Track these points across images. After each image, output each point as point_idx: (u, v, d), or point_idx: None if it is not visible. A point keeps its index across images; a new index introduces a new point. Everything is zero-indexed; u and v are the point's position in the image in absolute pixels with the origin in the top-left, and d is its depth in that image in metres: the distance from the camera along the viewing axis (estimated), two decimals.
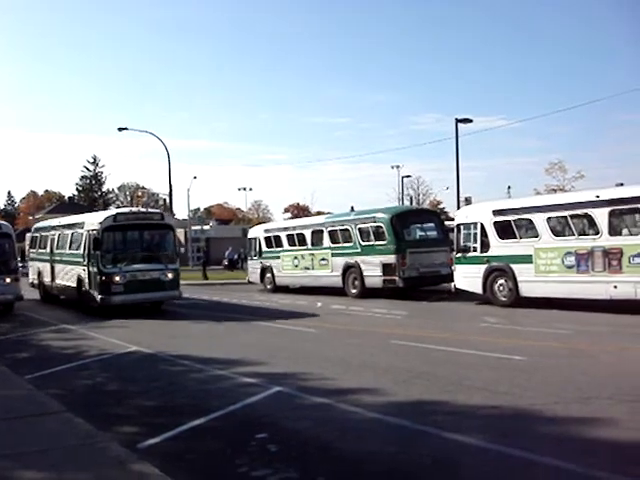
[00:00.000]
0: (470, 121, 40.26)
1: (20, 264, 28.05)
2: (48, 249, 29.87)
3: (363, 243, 27.54)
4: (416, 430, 8.37)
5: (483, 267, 22.33)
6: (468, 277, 23.09)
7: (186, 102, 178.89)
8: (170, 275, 24.10)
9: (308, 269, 30.63)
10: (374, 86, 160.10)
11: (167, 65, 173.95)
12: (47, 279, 29.73)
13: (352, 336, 17.01)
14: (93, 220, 25.03)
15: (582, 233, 19.99)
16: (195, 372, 12.66)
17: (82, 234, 25.12)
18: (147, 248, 24.93)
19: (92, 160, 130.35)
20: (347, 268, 28.16)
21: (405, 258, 25.72)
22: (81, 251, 24.93)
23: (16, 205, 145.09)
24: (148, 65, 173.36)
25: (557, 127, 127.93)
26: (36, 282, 31.72)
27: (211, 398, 10.39)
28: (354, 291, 27.81)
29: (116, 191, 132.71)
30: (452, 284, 24.38)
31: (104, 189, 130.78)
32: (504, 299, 21.75)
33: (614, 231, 18.90)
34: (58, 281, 28.03)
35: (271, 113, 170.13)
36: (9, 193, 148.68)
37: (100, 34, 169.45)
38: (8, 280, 24.66)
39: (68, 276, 26.48)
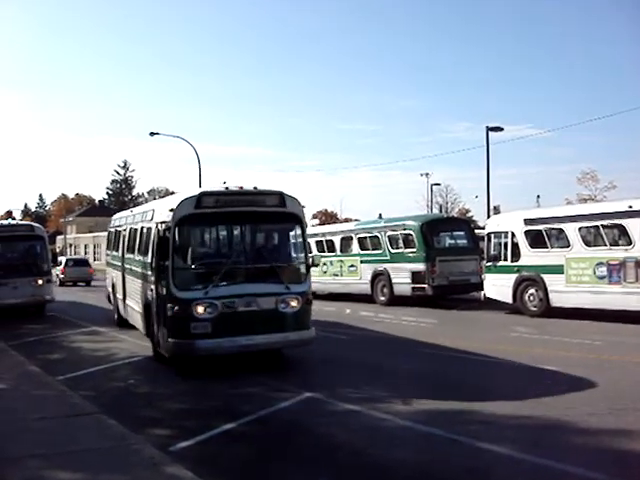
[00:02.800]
0: (501, 129, 39.88)
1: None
2: (120, 251, 20.12)
3: (392, 250, 27.45)
4: (448, 439, 8.34)
5: (514, 276, 22.14)
6: (498, 286, 22.90)
7: (217, 107, 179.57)
8: (295, 303, 13.16)
9: (337, 276, 30.53)
10: (403, 91, 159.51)
11: (198, 70, 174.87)
12: (119, 295, 20.22)
13: (382, 343, 16.96)
14: (163, 207, 14.58)
15: (614, 243, 19.74)
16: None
17: (151, 230, 15.01)
18: (256, 256, 14.10)
19: (123, 164, 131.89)
20: (376, 275, 28.02)
21: (435, 266, 25.56)
22: (148, 258, 14.82)
23: (47, 208, 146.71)
24: (179, 70, 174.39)
25: (589, 136, 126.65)
26: (111, 298, 22.32)
27: (242, 403, 10.41)
28: (382, 298, 27.67)
29: (146, 195, 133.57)
30: (482, 293, 24.20)
31: (134, 193, 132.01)
32: (534, 309, 21.55)
33: None
34: (129, 301, 18.29)
35: (301, 119, 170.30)
36: (40, 196, 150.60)
37: (131, 41, 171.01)
38: (40, 282, 24.86)
39: (137, 297, 16.58)
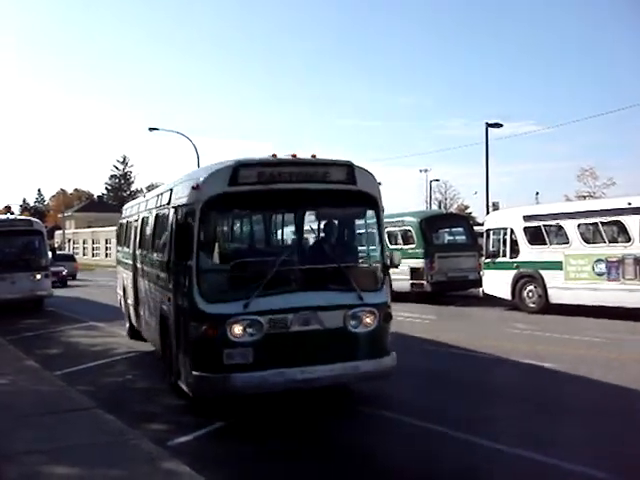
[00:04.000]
0: (500, 125, 39.83)
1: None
2: (131, 247, 16.19)
3: (391, 247, 27.39)
4: (454, 437, 8.35)
5: (512, 273, 22.14)
6: (497, 282, 22.91)
7: (216, 101, 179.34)
8: (371, 319, 9.63)
9: None
10: (403, 88, 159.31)
11: (197, 64, 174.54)
12: (130, 301, 16.17)
13: None
14: (184, 185, 10.57)
15: (613, 240, 19.76)
16: None
17: (168, 218, 11.23)
18: (316, 253, 10.47)
19: (122, 159, 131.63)
20: None
21: (434, 262, 25.54)
22: (165, 255, 11.04)
23: (46, 203, 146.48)
24: (178, 64, 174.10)
25: (588, 133, 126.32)
26: (122, 302, 18.31)
27: (239, 398, 10.39)
28: None
29: (145, 191, 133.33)
30: (480, 289, 24.24)
31: (133, 188, 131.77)
32: (533, 305, 21.55)
33: None
34: (142, 311, 14.27)
35: (301, 114, 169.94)
36: (39, 191, 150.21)
37: (129, 35, 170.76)
38: (39, 277, 24.86)
39: (151, 306, 12.80)
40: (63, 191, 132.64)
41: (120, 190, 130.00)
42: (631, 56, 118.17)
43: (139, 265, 14.52)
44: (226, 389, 8.92)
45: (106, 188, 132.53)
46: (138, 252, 14.69)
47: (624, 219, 19.08)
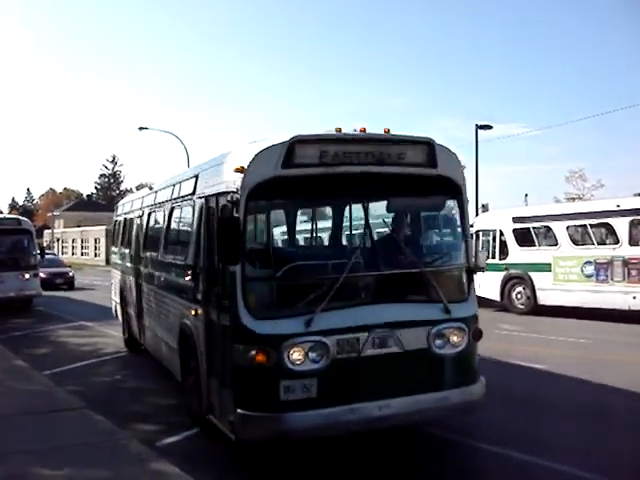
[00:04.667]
0: (490, 127, 39.97)
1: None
2: (131, 248, 14.47)
3: None
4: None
5: (501, 274, 22.24)
6: (486, 284, 22.94)
7: (206, 98, 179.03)
8: (459, 338, 7.76)
9: None
10: (393, 89, 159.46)
11: (188, 62, 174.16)
12: (131, 310, 14.40)
13: None
14: (217, 170, 8.28)
15: (601, 242, 19.90)
16: None
17: (191, 213, 9.44)
18: (390, 255, 8.01)
19: (111, 159, 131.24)
20: None
21: None
22: (187, 258, 9.34)
23: (35, 202, 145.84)
24: (168, 64, 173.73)
25: (577, 135, 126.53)
26: (118, 309, 16.53)
27: None
28: None
29: (134, 190, 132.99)
30: None
31: (122, 188, 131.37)
32: (521, 307, 21.67)
33: (634, 241, 18.79)
34: (149, 323, 12.52)
35: (293, 112, 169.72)
36: (28, 190, 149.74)
37: (118, 35, 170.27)
38: (27, 276, 24.74)
39: (164, 319, 11.00)
40: (52, 190, 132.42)
41: (109, 189, 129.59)
42: (622, 56, 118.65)
43: (145, 269, 12.59)
44: (282, 432, 6.96)
45: (95, 187, 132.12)
46: (144, 254, 12.78)
47: (613, 221, 19.22)
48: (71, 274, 38.31)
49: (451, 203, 8.46)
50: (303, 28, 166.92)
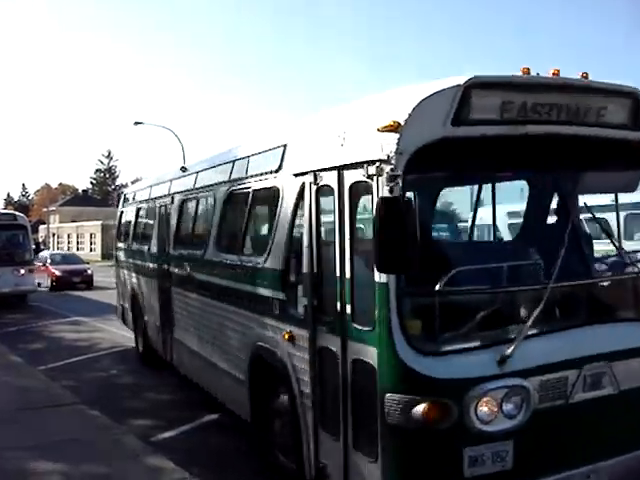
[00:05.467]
0: None
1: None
2: (154, 242, 12.00)
3: None
4: None
5: None
6: None
7: (201, 93, 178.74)
8: None
9: None
10: (389, 83, 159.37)
11: (183, 59, 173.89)
12: (151, 318, 12.13)
13: None
14: (348, 130, 5.41)
15: None
16: None
17: (279, 195, 6.72)
18: (583, 259, 5.60)
19: (106, 154, 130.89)
20: None
21: None
22: (275, 258, 6.68)
23: (30, 197, 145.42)
24: (163, 59, 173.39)
25: None
26: (127, 315, 14.23)
27: None
28: None
29: (130, 185, 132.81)
30: None
31: (118, 183, 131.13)
32: None
33: None
34: (182, 336, 10.22)
35: (287, 108, 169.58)
36: (23, 185, 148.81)
37: (114, 28, 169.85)
38: (23, 271, 24.61)
39: (218, 339, 8.51)
40: (48, 185, 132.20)
41: (105, 184, 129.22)
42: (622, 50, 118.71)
43: (178, 271, 10.19)
44: None
45: (91, 182, 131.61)
46: (175, 252, 10.48)
47: None
48: (89, 272, 35.17)
49: None
50: (297, 26, 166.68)
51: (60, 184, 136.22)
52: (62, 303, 25.80)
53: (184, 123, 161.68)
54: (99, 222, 74.03)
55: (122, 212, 15.40)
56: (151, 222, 12.44)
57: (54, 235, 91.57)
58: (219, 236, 8.51)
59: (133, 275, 13.43)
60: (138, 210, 13.55)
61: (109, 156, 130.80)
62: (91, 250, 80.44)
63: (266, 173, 7.08)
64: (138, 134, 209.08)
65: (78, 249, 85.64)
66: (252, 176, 7.56)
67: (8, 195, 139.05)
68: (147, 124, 49.23)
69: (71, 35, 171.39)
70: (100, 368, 12.96)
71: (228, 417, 9.02)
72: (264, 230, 7.69)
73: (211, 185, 9.01)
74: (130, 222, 14.27)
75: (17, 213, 28.50)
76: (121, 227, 15.52)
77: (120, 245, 15.22)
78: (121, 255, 15.04)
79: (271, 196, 6.97)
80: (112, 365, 13.27)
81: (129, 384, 11.55)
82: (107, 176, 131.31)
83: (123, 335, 15.71)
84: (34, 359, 13.25)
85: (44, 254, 36.61)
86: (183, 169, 11.22)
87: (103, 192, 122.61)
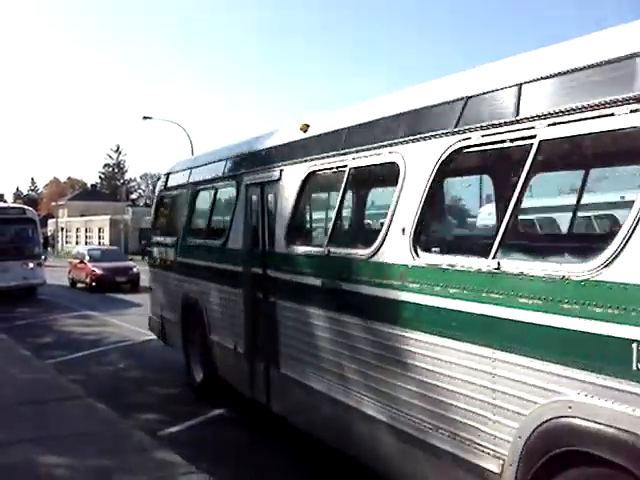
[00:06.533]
0: None
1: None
2: (234, 237, 8.77)
3: None
4: None
5: None
6: None
7: (209, 89, 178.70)
8: None
9: None
10: (395, 80, 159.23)
11: (188, 53, 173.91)
12: (227, 342, 8.79)
13: None
14: None
15: None
16: None
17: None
18: None
19: (115, 148, 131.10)
20: None
21: None
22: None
23: (39, 191, 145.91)
24: (173, 52, 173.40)
25: None
26: (174, 331, 10.97)
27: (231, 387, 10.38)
28: None
29: (138, 180, 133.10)
30: None
31: (126, 177, 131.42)
32: None
33: None
34: (303, 374, 6.80)
35: (293, 105, 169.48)
36: (32, 179, 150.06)
37: (124, 24, 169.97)
38: (31, 265, 24.73)
39: (400, 386, 5.23)
40: (56, 179, 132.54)
41: (113, 179, 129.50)
42: None
43: (297, 279, 6.94)
44: None
45: (100, 177, 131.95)
46: (278, 250, 7.36)
47: None
48: (135, 270, 29.28)
49: None
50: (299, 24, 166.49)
51: (69, 178, 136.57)
52: (71, 297, 25.82)
53: (193, 118, 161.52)
54: (107, 216, 74.19)
55: (163, 197, 12.41)
56: (229, 209, 9.12)
57: (63, 229, 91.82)
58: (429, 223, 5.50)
59: (188, 279, 10.20)
60: (197, 193, 10.39)
61: (118, 151, 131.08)
62: (100, 244, 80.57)
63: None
64: (147, 129, 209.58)
65: (87, 243, 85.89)
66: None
67: (17, 189, 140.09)
68: (156, 119, 49.24)
69: (80, 32, 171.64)
70: (108, 362, 12.98)
71: (235, 411, 9.08)
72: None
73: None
74: (181, 209, 11.10)
75: (26, 207, 28.62)
76: (162, 216, 12.47)
77: (159, 239, 12.04)
78: (162, 252, 11.72)
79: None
80: (120, 359, 13.28)
81: (136, 378, 11.56)
82: (116, 171, 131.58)
83: (133, 329, 15.77)
84: (42, 352, 13.31)
85: (80, 249, 33.72)
86: (305, 128, 7.12)
87: (112, 187, 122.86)
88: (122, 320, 18.33)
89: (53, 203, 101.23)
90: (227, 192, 9.37)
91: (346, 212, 7.17)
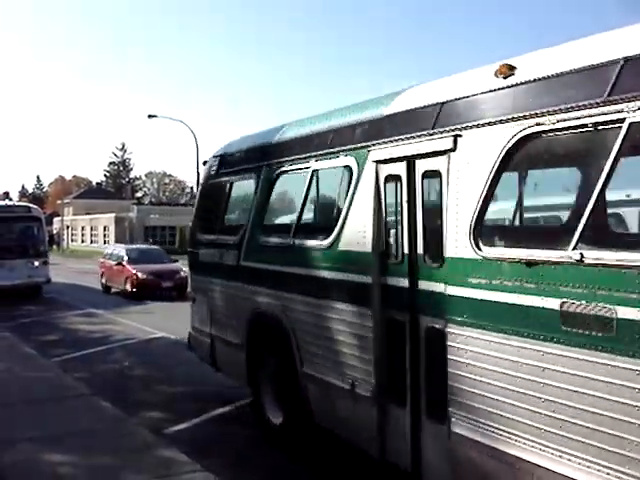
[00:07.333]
0: None
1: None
2: (359, 238, 6.23)
3: None
4: None
5: None
6: None
7: (212, 87, 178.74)
8: None
9: None
10: (402, 73, 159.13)
11: (191, 51, 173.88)
12: (339, 378, 6.46)
13: None
14: None
15: None
16: None
17: None
18: None
19: (120, 146, 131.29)
20: None
21: None
22: None
23: (44, 189, 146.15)
24: (177, 52, 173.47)
25: None
26: (231, 354, 8.64)
27: (237, 387, 10.36)
28: None
29: (143, 178, 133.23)
30: None
31: (131, 175, 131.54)
32: None
33: None
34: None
35: (299, 101, 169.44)
36: (38, 177, 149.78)
37: (125, 21, 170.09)
38: (37, 263, 24.74)
39: None
40: (62, 178, 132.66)
41: (119, 177, 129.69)
42: None
43: (505, 294, 4.61)
44: None
45: (105, 175, 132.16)
46: (465, 254, 4.96)
47: None
48: (183, 273, 23.92)
49: None
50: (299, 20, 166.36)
51: (74, 176, 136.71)
52: (76, 295, 25.79)
53: (198, 117, 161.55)
54: (113, 214, 74.26)
55: (213, 185, 9.94)
56: (339, 196, 6.88)
57: (68, 227, 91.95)
58: None
59: (262, 290, 7.86)
60: (277, 177, 7.98)
61: (123, 149, 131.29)
62: (105, 242, 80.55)
63: None
64: (152, 127, 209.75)
65: (92, 241, 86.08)
66: None
67: (23, 187, 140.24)
68: (161, 117, 49.26)
69: (85, 30, 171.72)
70: (113, 360, 12.98)
71: (239, 410, 9.08)
72: None
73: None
74: (246, 200, 8.71)
75: (31, 205, 28.64)
76: (213, 210, 9.95)
77: (209, 238, 9.64)
78: (215, 255, 9.23)
79: None
80: (125, 357, 13.27)
81: (141, 376, 11.57)
82: (121, 169, 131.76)
83: (138, 328, 15.81)
84: (47, 350, 13.31)
85: (116, 250, 28.54)
86: (507, 71, 4.84)
87: (117, 185, 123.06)
88: (127, 318, 18.35)
89: (58, 201, 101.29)
90: (335, 173, 6.91)
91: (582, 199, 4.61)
